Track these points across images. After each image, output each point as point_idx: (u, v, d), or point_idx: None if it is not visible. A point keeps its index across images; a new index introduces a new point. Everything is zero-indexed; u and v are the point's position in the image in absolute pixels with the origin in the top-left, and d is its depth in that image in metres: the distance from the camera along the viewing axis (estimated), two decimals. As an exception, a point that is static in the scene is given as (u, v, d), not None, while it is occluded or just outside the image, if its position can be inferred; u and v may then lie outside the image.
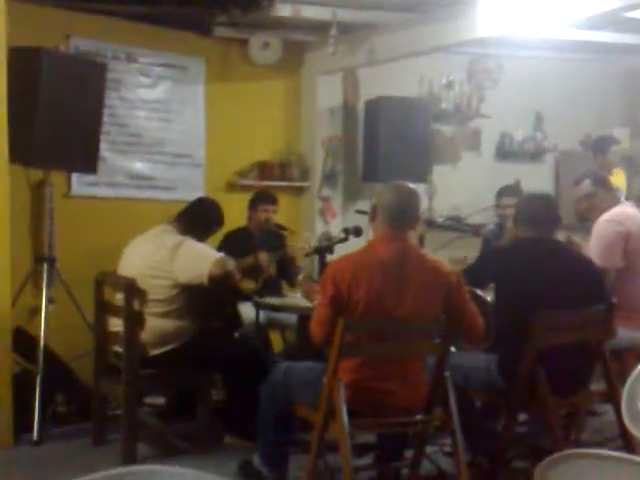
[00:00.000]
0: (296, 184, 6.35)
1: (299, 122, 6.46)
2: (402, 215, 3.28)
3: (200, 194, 5.31)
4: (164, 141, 5.78)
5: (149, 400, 4.77)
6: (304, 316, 4.01)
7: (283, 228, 5.42)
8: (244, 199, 5.49)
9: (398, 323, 3.19)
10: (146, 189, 5.72)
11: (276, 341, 5.40)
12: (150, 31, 5.62)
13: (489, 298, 3.75)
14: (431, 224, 5.31)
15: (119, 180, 5.58)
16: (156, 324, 3.99)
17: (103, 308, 4.18)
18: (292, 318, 4.70)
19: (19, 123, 4.35)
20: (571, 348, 3.49)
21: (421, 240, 4.91)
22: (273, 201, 5.37)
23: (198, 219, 4.35)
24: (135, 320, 3.92)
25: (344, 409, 3.04)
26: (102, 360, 4.16)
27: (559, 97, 6.96)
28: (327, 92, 6.43)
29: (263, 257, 4.86)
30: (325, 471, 3.40)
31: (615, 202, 4.61)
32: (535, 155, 7.21)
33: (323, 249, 4.57)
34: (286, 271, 5.21)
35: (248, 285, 4.76)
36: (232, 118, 6.04)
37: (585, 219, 4.73)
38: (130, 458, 3.86)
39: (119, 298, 4.06)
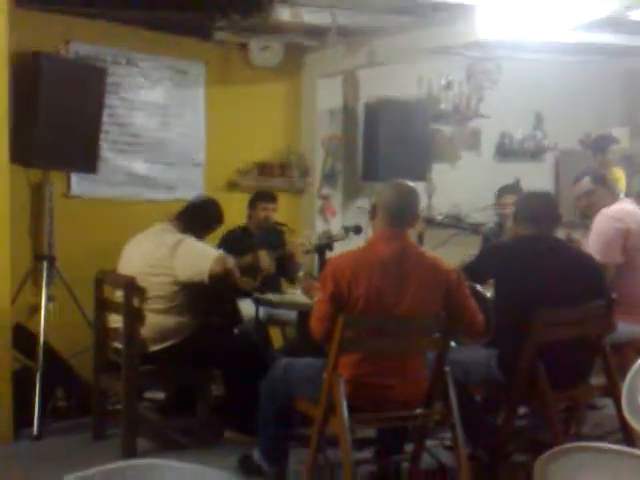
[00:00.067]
0: (296, 183, 6.35)
1: (299, 124, 6.47)
2: (401, 213, 3.29)
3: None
4: (164, 141, 5.79)
5: (149, 395, 4.77)
6: (304, 312, 4.02)
7: (282, 225, 5.43)
8: (244, 199, 5.51)
9: (398, 321, 3.20)
10: (146, 189, 5.72)
11: (276, 337, 5.41)
12: (150, 36, 5.62)
13: (489, 294, 3.75)
14: (430, 222, 5.32)
15: (119, 180, 5.59)
16: (156, 320, 4.00)
17: (103, 305, 4.19)
18: (292, 314, 4.72)
19: (20, 125, 4.42)
20: (571, 342, 3.50)
21: (420, 238, 4.93)
22: (272, 199, 5.40)
23: (198, 217, 4.36)
24: (135, 316, 3.93)
25: (344, 404, 3.04)
26: (102, 356, 4.18)
27: (559, 97, 6.96)
28: (327, 94, 6.44)
29: (263, 255, 4.87)
30: (325, 465, 3.40)
31: (614, 200, 4.62)
32: (535, 154, 7.22)
33: (323, 247, 4.59)
34: (285, 268, 5.22)
35: (247, 283, 4.76)
36: (232, 120, 6.04)
37: (585, 216, 4.74)
38: (130, 453, 3.87)
39: (119, 295, 4.07)
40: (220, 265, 4.01)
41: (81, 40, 5.31)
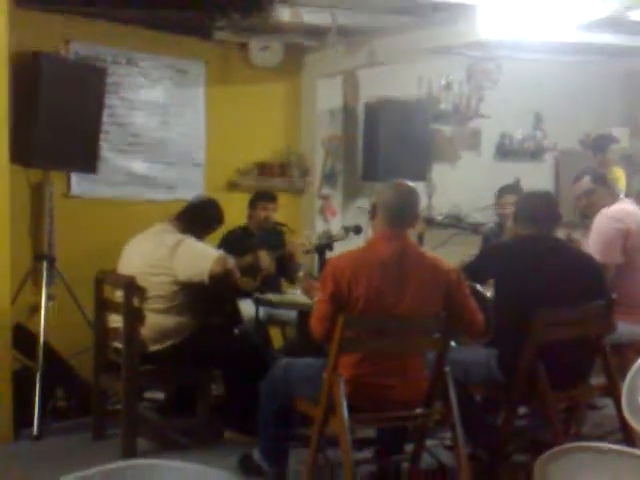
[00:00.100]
0: (296, 183, 6.35)
1: (299, 124, 6.47)
2: (401, 213, 3.29)
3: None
4: (164, 141, 5.79)
5: (149, 395, 4.77)
6: (304, 312, 4.02)
7: (282, 225, 5.43)
8: (244, 199, 5.51)
9: (398, 321, 3.20)
10: (146, 189, 5.72)
11: (276, 337, 5.41)
12: (150, 35, 5.62)
13: (489, 294, 3.75)
14: (430, 222, 5.32)
15: (119, 180, 5.58)
16: (156, 320, 4.00)
17: (103, 305, 4.20)
18: (292, 314, 4.72)
19: (20, 125, 4.42)
20: (571, 342, 3.50)
21: (420, 238, 4.92)
22: (272, 199, 5.40)
23: (198, 218, 4.36)
24: (135, 316, 3.93)
25: (344, 404, 3.04)
26: (102, 356, 4.18)
27: (559, 97, 6.96)
28: (327, 94, 6.44)
29: (263, 255, 4.87)
30: (325, 465, 3.40)
31: (614, 199, 4.62)
32: (535, 154, 7.22)
33: (323, 247, 4.59)
34: (286, 268, 5.22)
35: (247, 283, 4.76)
36: (232, 120, 6.04)
37: (585, 216, 4.74)
38: (130, 453, 3.87)
39: (119, 295, 4.07)
40: (220, 265, 4.01)
41: (81, 40, 5.31)
